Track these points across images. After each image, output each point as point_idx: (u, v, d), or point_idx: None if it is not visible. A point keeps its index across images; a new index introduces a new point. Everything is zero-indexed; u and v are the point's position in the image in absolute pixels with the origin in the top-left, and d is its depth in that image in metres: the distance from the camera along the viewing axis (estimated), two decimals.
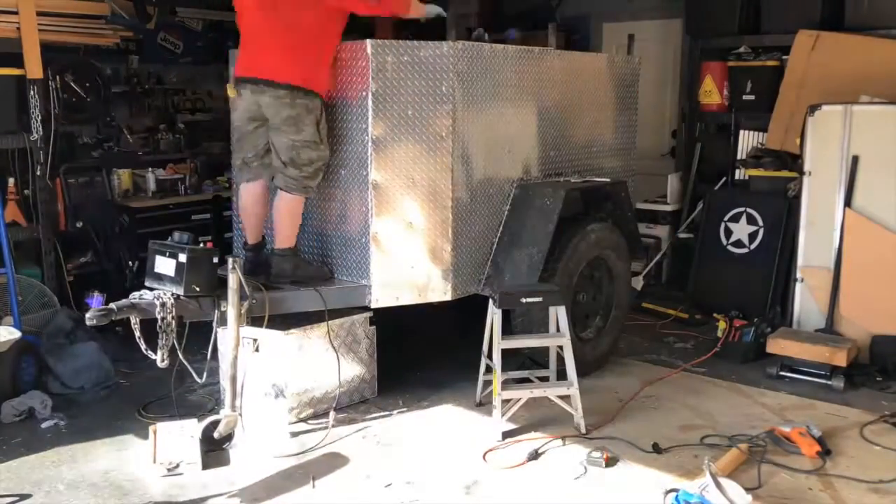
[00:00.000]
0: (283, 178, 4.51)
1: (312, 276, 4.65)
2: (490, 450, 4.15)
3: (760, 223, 6.27)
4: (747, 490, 3.44)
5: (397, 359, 5.19)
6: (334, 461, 4.07)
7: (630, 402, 4.75)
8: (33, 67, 5.40)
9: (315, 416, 4.51)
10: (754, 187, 6.55)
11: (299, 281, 4.58)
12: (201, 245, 4.15)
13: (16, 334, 4.67)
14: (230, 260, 4.01)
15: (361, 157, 4.52)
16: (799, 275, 5.66)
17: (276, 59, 4.35)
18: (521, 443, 4.22)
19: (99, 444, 4.27)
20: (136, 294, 4.02)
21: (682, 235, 7.06)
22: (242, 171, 4.72)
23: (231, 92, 4.56)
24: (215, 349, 4.26)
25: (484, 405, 4.66)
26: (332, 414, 4.43)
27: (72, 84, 6.06)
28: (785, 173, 6.30)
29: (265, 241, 4.82)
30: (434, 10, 4.77)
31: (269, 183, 4.69)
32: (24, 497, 3.72)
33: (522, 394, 4.40)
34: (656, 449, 4.11)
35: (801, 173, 5.67)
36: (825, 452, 4.04)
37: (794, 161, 6.15)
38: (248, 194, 4.71)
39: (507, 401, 4.37)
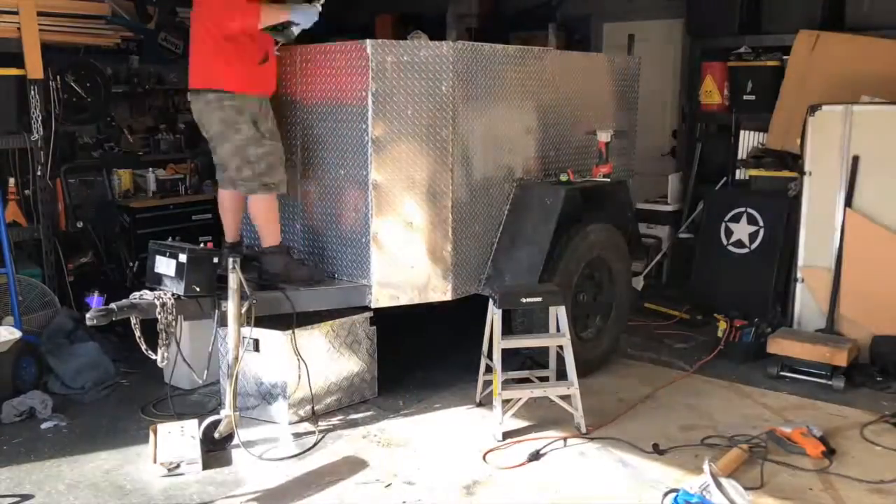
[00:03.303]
0: (242, 184, 4.56)
1: (305, 277, 4.66)
2: (490, 450, 4.15)
3: (761, 223, 6.27)
4: (748, 490, 3.44)
5: (397, 359, 5.19)
6: (334, 461, 4.07)
7: (635, 404, 4.75)
8: (34, 67, 5.40)
9: (316, 415, 4.51)
10: (755, 187, 6.55)
11: (289, 280, 4.59)
12: (201, 245, 4.15)
13: (16, 334, 4.67)
14: (230, 260, 4.01)
15: (361, 157, 4.52)
16: (799, 275, 5.66)
17: (200, 67, 4.45)
18: (522, 443, 4.22)
19: (99, 443, 4.27)
20: (136, 294, 4.02)
21: (682, 235, 7.06)
22: (217, 177, 4.84)
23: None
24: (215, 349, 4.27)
25: (484, 405, 4.66)
26: (314, 412, 4.43)
27: (72, 84, 6.07)
28: (785, 173, 6.30)
29: (243, 238, 4.94)
30: (303, 15, 4.48)
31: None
32: (25, 497, 3.72)
33: (523, 394, 4.39)
34: (657, 449, 4.11)
35: (802, 173, 5.66)
36: (829, 452, 4.04)
37: (794, 161, 6.15)
38: (223, 198, 4.83)
39: (508, 401, 4.37)
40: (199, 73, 4.45)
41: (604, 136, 5.32)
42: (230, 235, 4.91)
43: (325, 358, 4.57)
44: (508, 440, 4.25)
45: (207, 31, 4.38)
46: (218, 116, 4.43)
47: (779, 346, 5.20)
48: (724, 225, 6.45)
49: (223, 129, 4.46)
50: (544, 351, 4.75)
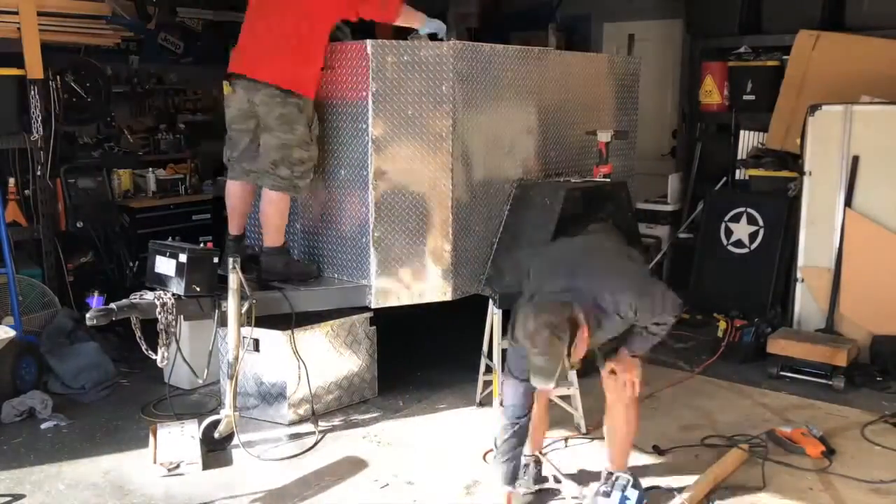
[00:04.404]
0: (273, 178, 4.52)
1: (302, 272, 4.69)
2: (490, 450, 4.13)
3: (761, 223, 6.27)
4: (750, 490, 3.44)
5: (397, 359, 5.19)
6: (334, 461, 4.07)
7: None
8: (34, 67, 5.40)
9: (315, 416, 4.51)
10: (755, 187, 6.55)
11: (289, 279, 4.60)
12: (201, 245, 4.15)
13: (10, 333, 4.63)
14: (231, 260, 4.01)
15: (361, 157, 4.52)
16: (799, 275, 5.66)
17: (271, 61, 4.40)
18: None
19: (99, 443, 4.27)
20: (136, 294, 4.02)
21: (682, 235, 7.05)
22: (229, 167, 4.79)
23: (226, 88, 4.61)
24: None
25: (484, 405, 4.66)
26: (313, 412, 4.43)
27: (72, 84, 6.07)
28: (785, 173, 6.30)
29: (245, 233, 4.91)
30: (435, 25, 4.76)
31: (254, 185, 4.73)
32: (17, 497, 3.72)
33: None
34: (657, 450, 4.11)
35: (802, 173, 5.67)
36: (829, 452, 4.04)
37: (794, 161, 6.15)
38: (233, 191, 4.78)
39: None
40: (269, 67, 4.38)
41: (604, 137, 5.32)
42: (235, 228, 4.85)
43: (325, 358, 4.57)
44: None
45: (296, 29, 4.36)
46: (278, 112, 4.40)
47: (779, 346, 5.20)
48: (724, 225, 6.45)
49: (278, 124, 4.43)
50: None
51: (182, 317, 4.16)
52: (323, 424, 4.45)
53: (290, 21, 4.38)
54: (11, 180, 5.48)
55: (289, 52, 4.39)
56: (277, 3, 4.42)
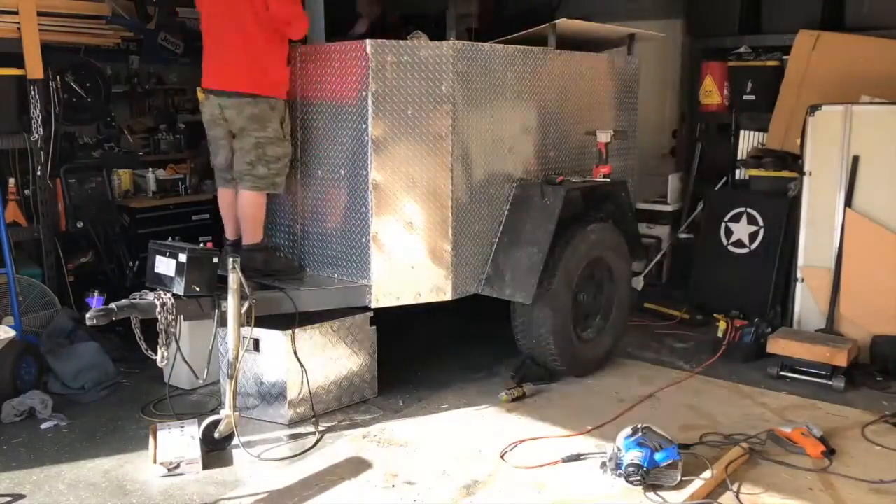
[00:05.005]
0: (251, 180, 4.65)
1: (281, 268, 4.80)
2: (491, 450, 4.14)
3: (761, 223, 6.27)
4: (750, 491, 3.43)
5: (397, 359, 5.19)
6: (334, 461, 4.07)
7: (635, 404, 4.75)
8: (34, 67, 5.40)
9: (315, 416, 4.51)
10: (755, 187, 6.55)
11: (269, 274, 4.72)
12: (201, 245, 4.16)
13: (10, 333, 4.64)
14: (230, 260, 4.01)
15: (361, 157, 4.52)
16: (799, 275, 5.66)
17: (235, 72, 4.54)
18: (524, 443, 4.22)
19: (99, 444, 4.27)
20: (136, 294, 4.03)
21: (682, 235, 7.06)
22: (216, 175, 4.95)
23: (200, 95, 4.74)
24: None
25: (485, 405, 4.66)
26: (314, 412, 4.42)
27: (72, 84, 6.07)
28: (785, 173, 6.30)
29: (242, 237, 4.98)
30: None
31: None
32: (17, 497, 3.72)
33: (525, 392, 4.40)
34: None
35: (802, 173, 5.67)
36: (830, 452, 4.04)
37: (794, 161, 6.16)
38: (223, 197, 4.94)
39: (509, 401, 4.37)
40: (236, 78, 4.52)
41: (603, 137, 5.32)
42: (232, 234, 4.95)
43: (325, 358, 4.57)
44: (510, 440, 4.24)
45: (254, 33, 4.47)
46: (249, 111, 4.54)
47: (779, 346, 5.20)
48: (724, 225, 6.45)
49: (249, 125, 4.57)
50: (544, 351, 4.75)
51: (182, 317, 4.16)
52: (323, 424, 4.45)
53: (236, 30, 4.50)
54: (11, 180, 5.48)
55: (247, 60, 4.51)
56: (221, 14, 4.55)
